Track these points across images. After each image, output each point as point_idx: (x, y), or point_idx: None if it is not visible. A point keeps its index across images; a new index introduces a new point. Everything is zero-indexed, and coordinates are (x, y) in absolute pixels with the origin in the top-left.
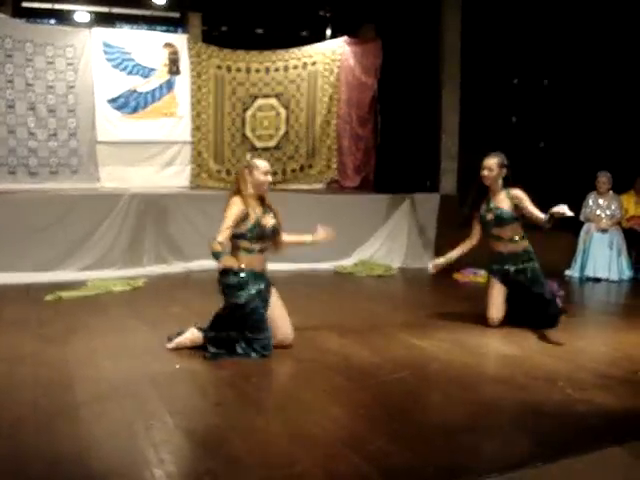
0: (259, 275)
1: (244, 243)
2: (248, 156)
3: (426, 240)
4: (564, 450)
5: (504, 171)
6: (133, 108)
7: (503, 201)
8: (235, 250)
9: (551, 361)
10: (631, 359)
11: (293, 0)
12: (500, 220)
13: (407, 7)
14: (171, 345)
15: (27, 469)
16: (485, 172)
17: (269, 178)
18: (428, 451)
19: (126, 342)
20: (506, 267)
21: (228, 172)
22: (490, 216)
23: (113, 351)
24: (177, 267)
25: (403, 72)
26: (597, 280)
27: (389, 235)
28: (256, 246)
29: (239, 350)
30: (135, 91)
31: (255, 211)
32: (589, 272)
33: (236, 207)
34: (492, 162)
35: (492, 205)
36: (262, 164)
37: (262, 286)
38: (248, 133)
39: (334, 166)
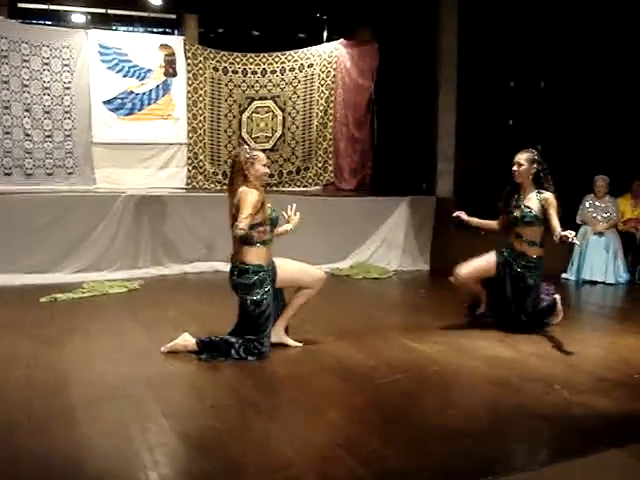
0: (271, 267)
1: (263, 234)
2: (247, 148)
3: (422, 243)
4: (561, 453)
5: (535, 167)
6: (129, 110)
7: (532, 200)
8: (250, 246)
9: (548, 364)
10: (627, 362)
11: (290, 2)
12: (525, 219)
13: (404, 9)
14: (165, 348)
15: (22, 472)
16: (515, 167)
17: (267, 169)
18: (424, 454)
19: (122, 344)
20: (511, 261)
21: (224, 174)
22: (517, 213)
23: (109, 353)
24: (173, 269)
25: (400, 74)
26: (593, 283)
27: (385, 238)
28: (271, 235)
29: (234, 355)
30: (131, 93)
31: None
32: (585, 275)
33: (253, 196)
34: (522, 158)
35: (521, 202)
36: (262, 155)
37: (272, 275)
38: (244, 135)
39: (330, 168)
